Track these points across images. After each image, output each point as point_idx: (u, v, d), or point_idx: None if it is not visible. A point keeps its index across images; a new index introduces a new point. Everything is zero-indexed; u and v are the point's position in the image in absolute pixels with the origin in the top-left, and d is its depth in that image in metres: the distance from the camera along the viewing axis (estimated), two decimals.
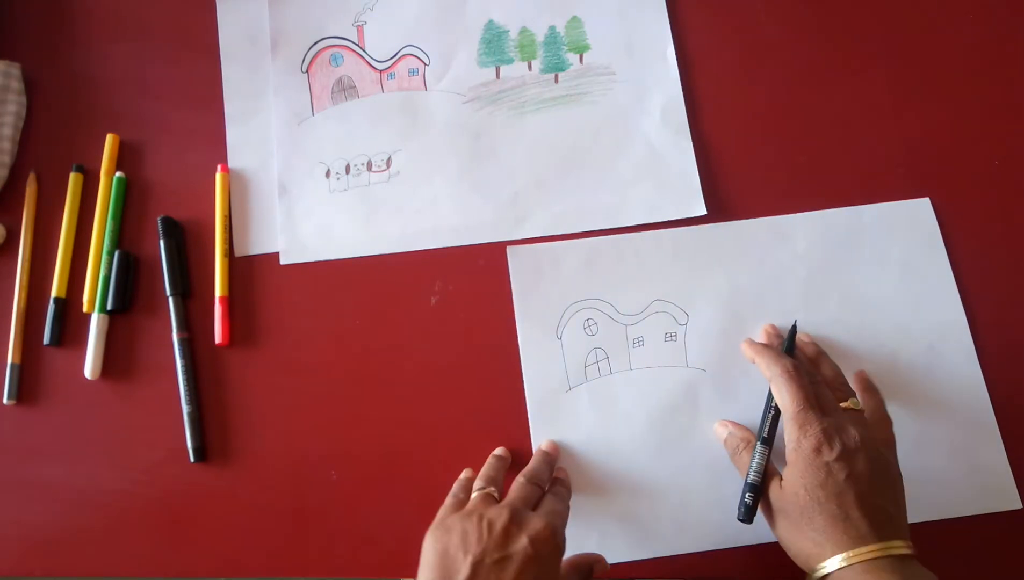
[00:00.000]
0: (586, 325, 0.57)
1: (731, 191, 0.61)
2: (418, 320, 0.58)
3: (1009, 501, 0.53)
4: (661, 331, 0.57)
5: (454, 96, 0.63)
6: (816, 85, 0.63)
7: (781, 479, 0.47)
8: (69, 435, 0.56)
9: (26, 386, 0.57)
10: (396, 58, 0.64)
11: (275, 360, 0.57)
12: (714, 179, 0.61)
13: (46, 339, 0.57)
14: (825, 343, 0.56)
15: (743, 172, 0.61)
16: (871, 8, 0.66)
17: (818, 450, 0.45)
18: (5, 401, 0.56)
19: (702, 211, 0.59)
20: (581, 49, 0.64)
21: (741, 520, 0.48)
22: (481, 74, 0.64)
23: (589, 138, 0.62)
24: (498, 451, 0.54)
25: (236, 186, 0.62)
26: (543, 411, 0.55)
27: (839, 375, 0.52)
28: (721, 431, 0.53)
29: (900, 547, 0.42)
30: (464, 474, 0.53)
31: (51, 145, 0.63)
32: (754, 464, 0.48)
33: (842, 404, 0.49)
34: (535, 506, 0.47)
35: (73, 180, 0.61)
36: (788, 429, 0.47)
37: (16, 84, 0.63)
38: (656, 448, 0.54)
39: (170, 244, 0.59)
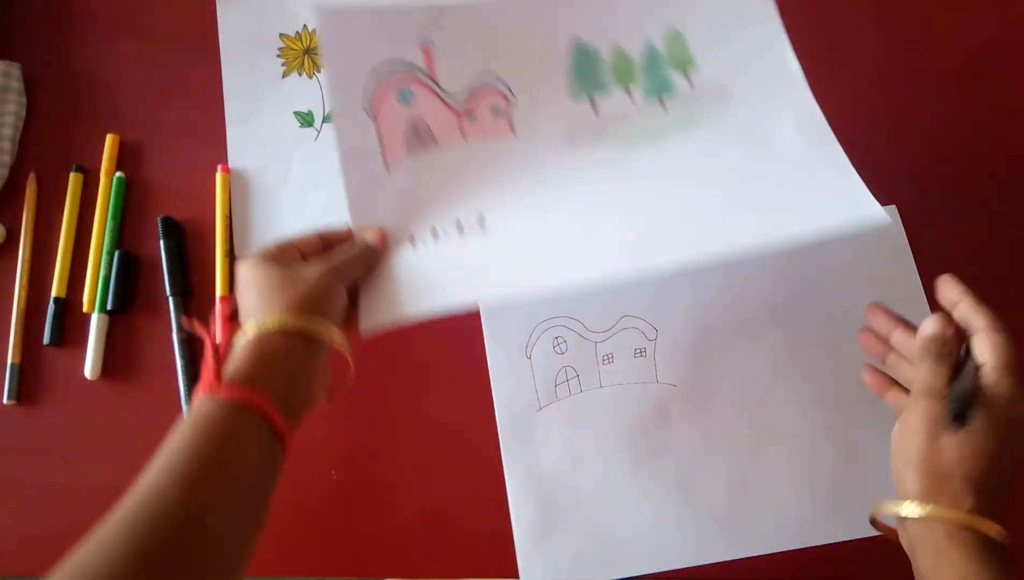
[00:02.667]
0: (555, 343, 0.56)
1: None
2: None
3: None
4: (630, 347, 0.56)
5: (548, 139, 0.54)
6: None
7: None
8: (69, 435, 0.56)
9: (26, 386, 0.57)
10: (474, 93, 0.53)
11: None
12: None
13: (46, 339, 0.57)
14: (794, 354, 0.56)
15: None
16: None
17: None
18: (5, 401, 0.56)
19: (885, 219, 0.47)
20: (686, 67, 0.54)
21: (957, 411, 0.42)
22: (575, 109, 0.54)
23: (715, 167, 0.51)
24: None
25: (236, 186, 0.62)
26: (515, 431, 0.55)
27: None
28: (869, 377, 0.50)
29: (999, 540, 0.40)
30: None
31: (51, 145, 0.63)
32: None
33: None
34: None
35: (73, 180, 0.61)
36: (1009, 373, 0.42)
37: (16, 84, 0.63)
38: (629, 466, 0.54)
39: (170, 244, 0.59)
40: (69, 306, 0.59)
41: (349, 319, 0.47)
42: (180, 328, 0.57)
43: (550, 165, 0.53)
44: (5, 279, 0.59)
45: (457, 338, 0.57)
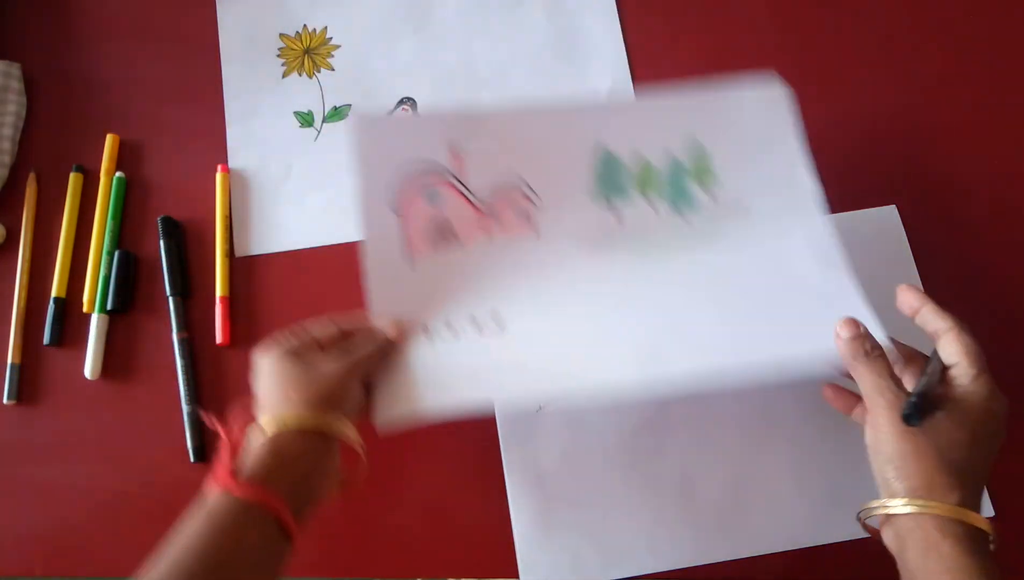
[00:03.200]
0: None
1: None
2: None
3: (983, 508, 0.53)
4: None
5: (570, 242, 0.55)
6: None
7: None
8: (69, 435, 0.56)
9: (26, 386, 0.57)
10: (500, 194, 0.54)
11: None
12: None
13: (46, 339, 0.57)
14: None
15: None
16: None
17: (1005, 406, 0.43)
18: (5, 401, 0.56)
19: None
20: (707, 183, 0.55)
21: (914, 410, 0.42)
22: (598, 215, 0.55)
23: (731, 281, 0.53)
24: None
25: (236, 186, 0.62)
26: (514, 431, 0.55)
27: None
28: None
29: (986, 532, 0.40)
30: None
31: (51, 145, 0.63)
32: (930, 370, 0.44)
33: None
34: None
35: (73, 180, 0.61)
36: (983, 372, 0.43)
37: (16, 84, 0.63)
38: (629, 466, 0.54)
39: (170, 244, 0.59)
40: (69, 306, 0.59)
41: (363, 410, 0.47)
42: (180, 328, 0.57)
43: (569, 268, 0.54)
44: (5, 279, 0.59)
45: None
